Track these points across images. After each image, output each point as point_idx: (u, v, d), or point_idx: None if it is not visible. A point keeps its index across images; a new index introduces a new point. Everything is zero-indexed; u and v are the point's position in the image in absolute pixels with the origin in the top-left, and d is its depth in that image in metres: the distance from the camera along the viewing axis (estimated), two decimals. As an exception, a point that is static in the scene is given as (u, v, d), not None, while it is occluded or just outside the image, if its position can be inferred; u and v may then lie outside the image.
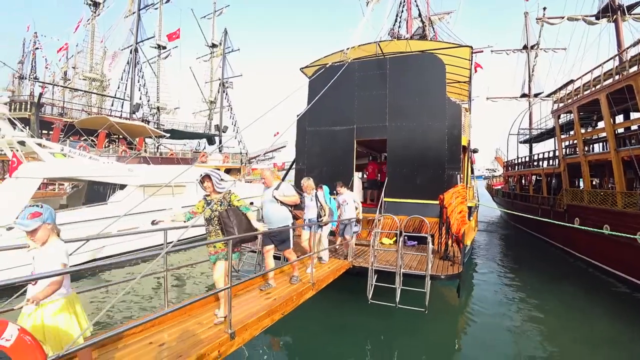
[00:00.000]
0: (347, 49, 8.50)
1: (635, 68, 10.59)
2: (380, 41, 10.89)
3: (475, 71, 22.85)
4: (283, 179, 11.06)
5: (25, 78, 32.79)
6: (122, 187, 12.47)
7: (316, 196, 6.68)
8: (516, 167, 23.28)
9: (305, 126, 11.38)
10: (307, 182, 6.79)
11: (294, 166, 11.66)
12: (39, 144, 12.16)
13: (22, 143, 11.56)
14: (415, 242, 9.31)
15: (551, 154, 17.84)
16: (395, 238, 9.49)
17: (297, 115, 11.47)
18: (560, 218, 13.51)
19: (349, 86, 10.65)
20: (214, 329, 3.75)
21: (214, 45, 36.41)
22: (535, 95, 27.75)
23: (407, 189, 9.72)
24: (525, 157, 22.68)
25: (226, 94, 34.53)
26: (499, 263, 12.44)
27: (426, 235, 8.71)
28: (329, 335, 6.87)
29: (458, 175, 9.11)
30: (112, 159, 15.85)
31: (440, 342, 6.81)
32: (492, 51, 27.14)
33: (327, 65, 9.00)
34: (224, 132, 34.15)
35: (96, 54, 32.84)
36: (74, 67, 36.21)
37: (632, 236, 8.73)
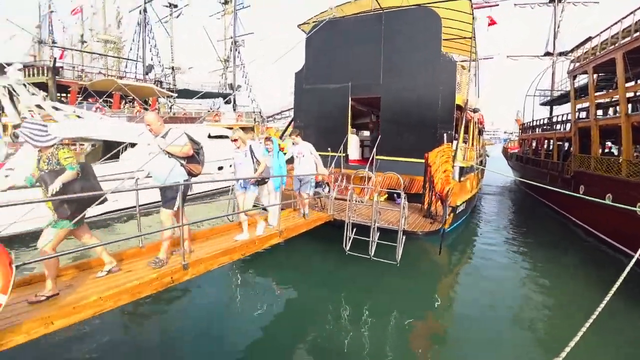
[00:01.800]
0: (334, 7, 8.30)
1: (655, 26, 9.82)
2: (378, -6, 10.51)
3: (491, 24, 21.60)
4: (281, 137, 11.31)
5: (43, 42, 33.45)
6: (133, 145, 13.05)
7: (251, 150, 5.45)
8: (530, 130, 22.50)
9: (302, 84, 11.42)
10: (237, 134, 5.52)
11: (292, 124, 11.90)
12: (54, 107, 12.85)
13: (39, 106, 12.25)
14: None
15: (566, 118, 17.14)
16: (386, 195, 9.74)
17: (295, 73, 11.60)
18: (566, 185, 13.25)
19: (344, 43, 10.53)
20: (177, 264, 4.14)
21: (226, 2, 35.68)
22: (561, 55, 26.13)
23: (399, 147, 9.78)
24: (539, 120, 21.84)
25: (238, 52, 34.20)
26: (496, 228, 12.40)
27: (419, 193, 8.96)
28: (309, 280, 7.37)
29: (445, 134, 9.08)
30: (123, 119, 16.40)
31: (411, 296, 6.91)
32: (515, 4, 25.41)
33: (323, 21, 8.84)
34: (237, 90, 34.07)
35: (110, 14, 32.95)
36: (90, 30, 36.59)
37: (632, 208, 8.22)
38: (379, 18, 10.05)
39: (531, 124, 22.94)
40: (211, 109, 29.49)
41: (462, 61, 15.41)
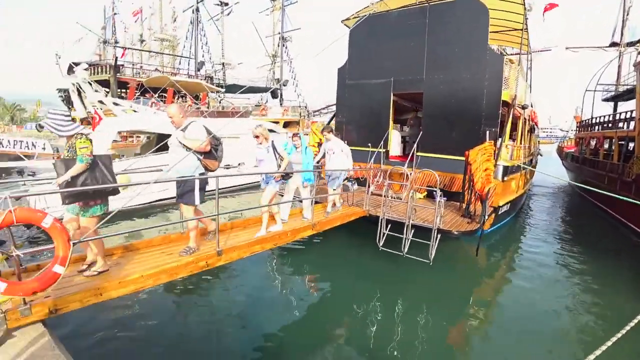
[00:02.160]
0: (375, 2, 8.24)
1: None
2: (423, -13, 10.24)
3: (549, 9, 20.01)
4: (322, 132, 11.50)
5: (108, 42, 36.33)
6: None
7: (273, 146, 5.36)
8: (589, 128, 20.75)
9: (345, 79, 11.49)
10: (259, 130, 5.38)
11: (334, 119, 12.04)
12: (114, 103, 14.13)
13: (101, 102, 13.50)
14: (445, 198, 9.25)
15: (630, 115, 15.60)
16: (426, 192, 9.60)
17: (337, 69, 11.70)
18: (626, 189, 12.18)
19: (387, 38, 10.43)
20: (212, 250, 4.45)
21: (274, -2, 36.40)
22: (629, 45, 23.64)
23: (441, 144, 9.54)
24: (599, 117, 20.09)
25: (286, 47, 34.78)
26: (543, 230, 11.57)
27: (460, 192, 8.73)
28: (343, 272, 7.51)
29: (488, 132, 8.72)
30: (175, 113, 17.45)
31: (441, 295, 6.75)
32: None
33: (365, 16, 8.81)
34: (284, 85, 34.58)
35: (166, 14, 35.05)
36: (149, 29, 39.22)
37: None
38: (423, 12, 9.82)
39: (590, 122, 21.19)
40: (259, 103, 30.48)
41: (514, 54, 14.61)
